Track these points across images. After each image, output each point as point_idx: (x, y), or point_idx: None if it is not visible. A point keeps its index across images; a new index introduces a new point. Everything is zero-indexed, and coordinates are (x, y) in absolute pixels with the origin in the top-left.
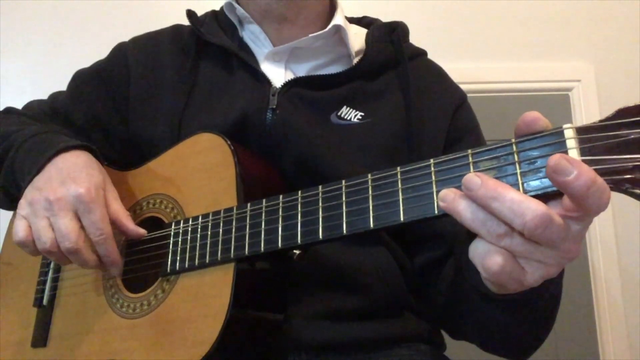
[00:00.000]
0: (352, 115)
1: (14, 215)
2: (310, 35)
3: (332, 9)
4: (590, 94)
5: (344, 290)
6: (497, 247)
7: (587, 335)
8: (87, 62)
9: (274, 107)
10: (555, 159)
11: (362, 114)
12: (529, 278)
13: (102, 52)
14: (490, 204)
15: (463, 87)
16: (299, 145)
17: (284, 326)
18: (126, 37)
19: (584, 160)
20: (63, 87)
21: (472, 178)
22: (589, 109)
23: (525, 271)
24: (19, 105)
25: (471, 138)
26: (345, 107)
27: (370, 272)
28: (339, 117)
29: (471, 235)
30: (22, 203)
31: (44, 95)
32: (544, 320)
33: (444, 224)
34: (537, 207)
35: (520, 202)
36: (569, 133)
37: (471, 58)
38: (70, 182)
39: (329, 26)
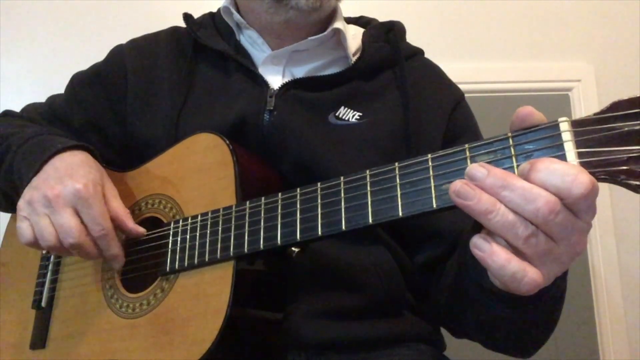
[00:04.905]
0: (349, 115)
1: (12, 217)
2: (309, 38)
3: (331, 12)
4: (590, 94)
5: (343, 289)
6: (512, 253)
7: (587, 335)
8: (86, 64)
9: (272, 108)
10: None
11: (360, 114)
12: (545, 281)
13: (100, 53)
14: (500, 193)
15: (463, 87)
16: (297, 147)
17: (284, 325)
18: (124, 39)
19: (579, 153)
20: (62, 88)
21: (477, 168)
22: (589, 109)
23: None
24: (17, 107)
25: (469, 136)
26: (342, 107)
27: (370, 270)
28: (337, 118)
29: (475, 230)
30: (21, 203)
31: (43, 96)
32: (548, 317)
33: (444, 222)
34: (547, 192)
35: (531, 189)
36: (564, 126)
37: (471, 58)
38: (67, 178)
39: (328, 29)
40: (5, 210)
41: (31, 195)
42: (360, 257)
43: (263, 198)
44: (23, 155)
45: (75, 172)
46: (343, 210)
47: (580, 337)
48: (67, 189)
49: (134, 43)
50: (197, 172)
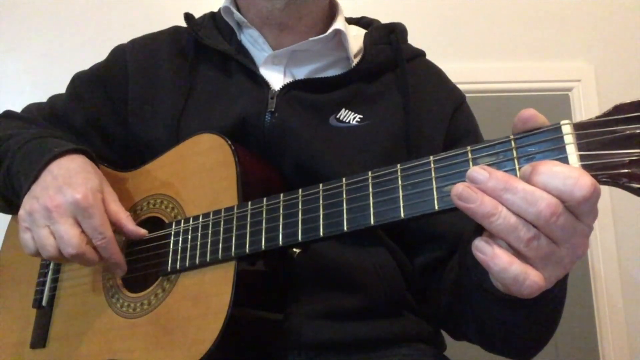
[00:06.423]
0: (350, 117)
1: (12, 218)
2: (310, 39)
3: (332, 12)
4: (590, 94)
5: (344, 290)
6: (514, 256)
7: (587, 335)
8: (86, 64)
9: (273, 110)
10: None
11: (361, 116)
12: (546, 284)
13: (101, 53)
14: (502, 196)
15: (463, 87)
16: (297, 148)
17: (284, 325)
18: (125, 39)
19: (581, 156)
20: (63, 88)
21: (478, 171)
22: (589, 109)
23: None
24: (18, 106)
25: (470, 139)
26: (343, 109)
27: (370, 271)
28: (338, 120)
29: (477, 233)
30: (22, 214)
31: (43, 96)
32: (549, 320)
33: (445, 224)
34: (548, 195)
35: (532, 192)
36: (566, 129)
37: (471, 58)
38: (66, 188)
39: (329, 30)
40: (6, 212)
41: (31, 205)
42: (361, 258)
43: (265, 199)
44: (21, 160)
45: (74, 181)
46: (345, 211)
47: (580, 337)
48: (67, 199)
49: (135, 43)
50: (199, 173)
